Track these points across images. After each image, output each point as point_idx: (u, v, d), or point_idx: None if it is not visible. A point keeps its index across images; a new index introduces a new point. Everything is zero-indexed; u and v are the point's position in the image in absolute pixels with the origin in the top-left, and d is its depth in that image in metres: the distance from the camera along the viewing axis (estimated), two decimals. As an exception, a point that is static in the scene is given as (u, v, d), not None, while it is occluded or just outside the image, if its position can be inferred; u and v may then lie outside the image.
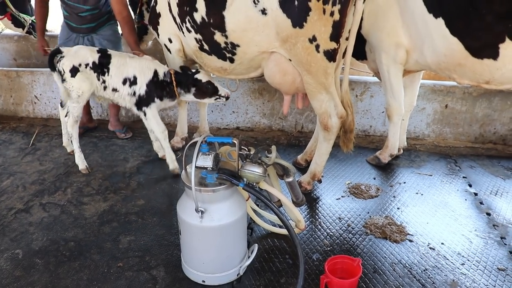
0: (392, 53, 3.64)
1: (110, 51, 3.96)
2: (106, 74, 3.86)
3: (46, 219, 3.49)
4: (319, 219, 3.45)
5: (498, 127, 4.75)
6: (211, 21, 3.36)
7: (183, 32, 3.75)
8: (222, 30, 3.33)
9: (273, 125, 5.21)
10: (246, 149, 2.71)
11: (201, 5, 3.36)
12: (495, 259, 3.00)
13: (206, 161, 2.48)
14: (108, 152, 4.67)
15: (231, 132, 5.24)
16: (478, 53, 3.17)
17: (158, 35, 4.20)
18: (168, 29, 4.02)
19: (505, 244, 3.14)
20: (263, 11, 3.05)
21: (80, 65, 3.82)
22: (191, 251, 2.73)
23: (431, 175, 4.14)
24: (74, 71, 3.82)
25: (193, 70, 3.90)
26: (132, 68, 3.85)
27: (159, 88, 3.87)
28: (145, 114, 3.93)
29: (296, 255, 2.61)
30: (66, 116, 4.16)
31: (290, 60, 3.23)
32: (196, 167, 2.47)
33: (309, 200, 3.68)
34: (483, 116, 4.74)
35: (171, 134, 4.88)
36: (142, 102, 3.89)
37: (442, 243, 3.15)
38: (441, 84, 4.76)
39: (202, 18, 3.40)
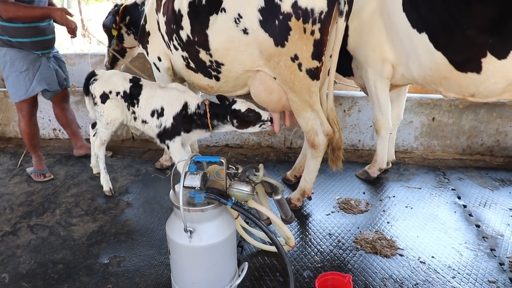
0: (378, 69, 3.69)
1: (142, 81, 3.79)
2: (136, 105, 3.70)
3: (34, 241, 3.45)
4: (309, 236, 3.44)
5: (485, 139, 4.80)
6: (196, 39, 3.38)
7: (171, 50, 3.77)
8: (206, 48, 3.35)
9: (262, 141, 5.22)
10: (234, 167, 2.71)
11: (186, 23, 3.39)
12: (486, 271, 3.00)
13: (194, 181, 2.47)
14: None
15: (220, 149, 5.24)
16: (462, 67, 3.22)
17: (147, 53, 4.22)
18: (157, 47, 4.04)
19: (495, 256, 3.15)
20: (245, 31, 3.06)
21: (110, 92, 3.71)
22: (181, 271, 2.70)
23: (420, 188, 4.16)
24: (104, 97, 3.71)
25: (230, 100, 3.53)
26: (160, 99, 3.63)
27: (187, 122, 3.58)
28: (168, 148, 3.67)
29: (287, 273, 2.60)
30: (94, 135, 4.09)
31: (275, 78, 3.24)
32: (184, 186, 2.46)
33: (299, 216, 3.68)
34: (470, 128, 4.79)
35: (161, 153, 4.88)
36: (166, 134, 3.63)
37: (433, 257, 3.15)
38: (427, 97, 4.81)
39: (188, 36, 3.43)
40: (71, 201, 4.06)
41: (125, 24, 4.56)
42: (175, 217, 2.66)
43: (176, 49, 3.65)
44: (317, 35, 2.93)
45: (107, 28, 4.57)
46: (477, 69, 3.14)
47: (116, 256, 3.25)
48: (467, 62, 3.17)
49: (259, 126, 3.46)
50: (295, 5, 2.83)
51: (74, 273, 3.07)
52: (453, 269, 3.02)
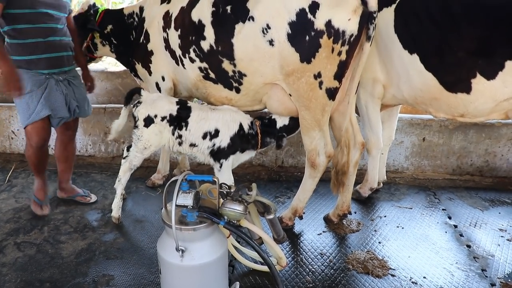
0: (369, 89, 3.72)
1: (190, 103, 3.61)
2: (184, 129, 3.52)
3: (21, 259, 3.38)
4: (300, 255, 3.42)
5: (474, 159, 4.85)
6: (220, 48, 3.36)
7: (183, 65, 3.70)
8: (231, 58, 3.33)
9: (253, 160, 5.21)
10: (227, 186, 2.69)
11: (209, 32, 3.38)
12: (477, 292, 3.01)
13: (187, 199, 2.46)
14: (86, 189, 4.59)
15: (211, 167, 5.20)
16: (452, 88, 3.27)
17: (149, 73, 4.10)
18: (162, 66, 3.97)
19: (486, 277, 3.16)
20: (271, 42, 3.09)
21: (156, 116, 3.50)
22: (171, 291, 2.67)
23: (411, 208, 4.17)
24: (149, 121, 3.51)
25: (268, 117, 3.59)
26: (214, 121, 3.50)
27: (244, 141, 3.53)
28: (220, 166, 3.57)
29: (278, 293, 2.58)
30: (124, 158, 3.85)
31: (290, 95, 3.26)
32: (176, 205, 2.44)
33: (290, 236, 3.66)
34: (459, 148, 4.83)
35: (153, 171, 4.86)
36: (222, 153, 3.53)
37: (424, 277, 3.15)
38: (418, 117, 4.86)
39: (211, 45, 3.40)
40: (60, 218, 4.00)
41: (103, 34, 4.30)
42: (166, 235, 2.63)
43: (193, 61, 3.59)
44: (343, 56, 3.01)
45: (85, 29, 4.15)
46: (467, 89, 3.19)
47: (106, 275, 3.19)
48: (457, 83, 3.23)
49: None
50: (328, 24, 2.90)
51: (61, 293, 3.02)
52: (445, 290, 3.03)
